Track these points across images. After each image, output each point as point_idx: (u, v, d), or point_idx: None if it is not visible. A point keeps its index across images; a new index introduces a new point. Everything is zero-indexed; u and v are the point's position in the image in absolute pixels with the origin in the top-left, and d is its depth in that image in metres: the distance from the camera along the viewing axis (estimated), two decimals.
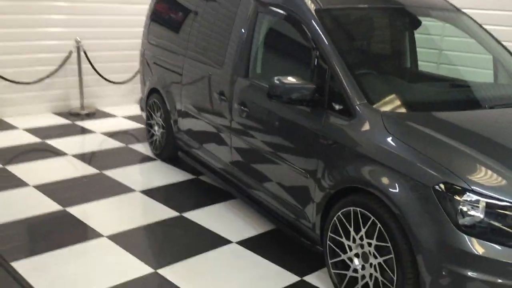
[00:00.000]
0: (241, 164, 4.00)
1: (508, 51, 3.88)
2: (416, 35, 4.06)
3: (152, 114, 5.44)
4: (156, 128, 5.40)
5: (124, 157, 5.46)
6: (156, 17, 5.41)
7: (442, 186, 2.49)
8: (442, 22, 4.08)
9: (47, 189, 4.52)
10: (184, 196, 4.53)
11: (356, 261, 2.94)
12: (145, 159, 5.44)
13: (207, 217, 4.12)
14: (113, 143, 5.91)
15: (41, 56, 6.86)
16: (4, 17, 6.45)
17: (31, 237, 3.71)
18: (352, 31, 3.58)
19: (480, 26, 4.00)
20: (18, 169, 4.94)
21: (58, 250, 3.52)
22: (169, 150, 5.24)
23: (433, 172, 2.54)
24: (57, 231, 3.79)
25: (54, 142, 5.80)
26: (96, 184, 4.73)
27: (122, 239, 3.70)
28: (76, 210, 4.13)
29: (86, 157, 5.42)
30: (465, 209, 2.45)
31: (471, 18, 4.03)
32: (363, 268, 2.90)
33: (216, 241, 3.74)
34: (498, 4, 5.42)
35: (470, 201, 2.45)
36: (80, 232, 3.79)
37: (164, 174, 5.02)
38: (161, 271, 3.32)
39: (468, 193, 2.45)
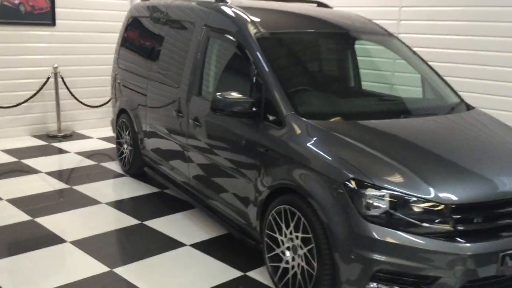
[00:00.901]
0: (198, 176, 4.37)
1: (434, 70, 4.34)
2: (352, 57, 4.52)
3: (122, 133, 5.83)
4: (125, 146, 5.77)
5: (95, 174, 5.81)
6: (124, 43, 5.85)
7: (351, 181, 2.89)
8: (376, 45, 4.54)
9: (19, 202, 4.85)
10: (147, 207, 4.87)
11: (287, 253, 3.30)
12: (115, 175, 5.80)
13: (166, 224, 4.46)
14: (86, 162, 6.26)
15: (21, 81, 7.26)
16: None
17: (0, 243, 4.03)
18: (288, 53, 4.03)
19: (410, 48, 4.46)
20: None
21: (24, 254, 3.84)
22: (136, 166, 5.61)
23: (343, 170, 2.94)
24: (24, 238, 4.12)
25: (30, 162, 6.14)
26: (66, 197, 5.07)
27: (84, 244, 4.03)
28: (43, 220, 4.46)
29: (58, 174, 5.76)
30: (370, 201, 2.84)
31: (402, 41, 4.50)
32: (293, 259, 3.26)
33: (170, 244, 4.09)
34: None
35: (375, 194, 2.84)
36: (45, 239, 4.11)
37: (131, 188, 5.38)
38: (116, 270, 3.65)
39: (372, 188, 2.84)
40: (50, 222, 4.44)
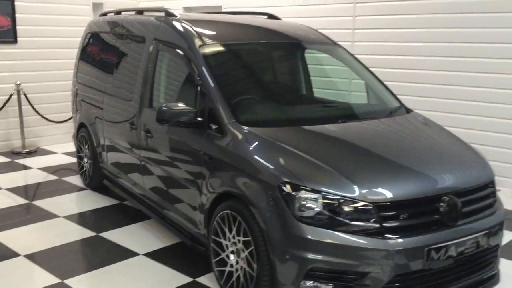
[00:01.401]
0: (152, 187, 4.45)
1: (376, 76, 4.51)
2: (298, 66, 4.68)
3: (82, 147, 5.89)
4: (85, 159, 5.83)
5: (56, 188, 5.85)
6: (82, 57, 5.93)
7: (283, 185, 3.01)
8: (322, 54, 4.71)
9: None
10: (105, 219, 4.93)
11: (231, 257, 3.40)
12: (76, 189, 5.84)
13: (122, 235, 4.53)
14: (49, 177, 6.29)
15: None
16: None
17: None
18: (232, 63, 4.16)
19: (353, 56, 4.64)
20: None
21: None
22: (96, 180, 5.67)
23: (278, 174, 3.07)
24: None
25: None
26: (24, 213, 5.11)
27: (37, 257, 4.08)
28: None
29: (18, 190, 5.79)
30: (303, 203, 2.96)
31: (346, 50, 4.67)
32: (237, 262, 3.36)
33: (124, 254, 4.16)
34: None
35: (307, 197, 2.97)
36: (0, 253, 4.15)
37: (91, 201, 5.43)
38: (67, 281, 3.71)
39: (305, 190, 2.97)
40: (6, 237, 4.47)
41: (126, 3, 8.65)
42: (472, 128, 5.95)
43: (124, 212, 5.11)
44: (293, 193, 2.98)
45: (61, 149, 7.70)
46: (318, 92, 4.72)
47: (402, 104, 4.27)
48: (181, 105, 3.72)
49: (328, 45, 4.64)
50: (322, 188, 2.97)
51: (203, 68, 3.78)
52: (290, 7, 7.29)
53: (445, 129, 3.93)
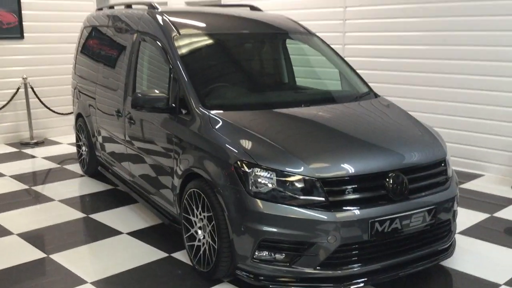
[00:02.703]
0: (137, 171, 4.72)
1: (349, 65, 4.69)
2: (274, 54, 4.88)
3: (80, 136, 6.20)
4: (83, 148, 6.15)
5: (56, 176, 6.18)
6: (80, 50, 6.23)
7: (239, 163, 3.24)
8: (299, 43, 4.89)
9: None
10: (97, 202, 5.23)
11: (199, 232, 3.64)
12: (74, 176, 6.16)
13: (109, 216, 4.82)
14: (52, 165, 6.64)
15: None
16: None
17: None
18: (204, 52, 4.38)
19: (328, 45, 4.82)
20: None
21: None
22: (93, 167, 5.97)
23: (234, 153, 3.29)
24: None
25: None
26: (22, 197, 5.44)
27: (28, 235, 4.40)
28: None
29: (21, 177, 6.13)
30: (257, 180, 3.18)
31: (321, 39, 4.85)
32: (204, 237, 3.60)
33: (109, 232, 4.44)
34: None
35: (260, 174, 3.18)
36: None
37: (86, 186, 5.74)
38: (52, 256, 4.01)
39: (258, 168, 3.19)
40: (3, 218, 4.81)
41: None
42: (454, 115, 6.09)
43: (116, 197, 5.40)
44: (248, 170, 3.20)
45: (67, 140, 8.05)
46: (292, 80, 4.91)
47: (371, 90, 4.44)
48: (155, 92, 3.97)
49: (304, 34, 4.83)
50: (274, 166, 3.18)
51: (176, 57, 4.02)
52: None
53: (405, 112, 4.10)
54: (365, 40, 6.71)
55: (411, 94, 6.36)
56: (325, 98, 4.34)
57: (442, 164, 3.55)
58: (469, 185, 5.59)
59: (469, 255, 3.90)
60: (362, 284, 3.20)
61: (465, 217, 4.62)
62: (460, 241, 4.10)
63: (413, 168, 3.35)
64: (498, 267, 3.72)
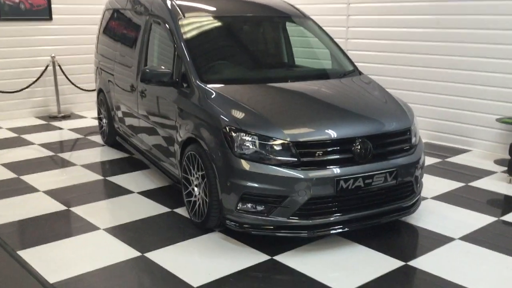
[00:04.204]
0: (148, 139, 5.31)
1: (338, 46, 5.16)
2: (272, 35, 5.39)
3: (101, 109, 6.85)
4: (104, 120, 6.79)
5: (80, 145, 6.86)
6: (102, 31, 6.84)
7: (227, 129, 3.79)
8: (295, 26, 5.38)
9: (8, 166, 5.93)
10: (113, 167, 5.88)
11: (196, 189, 4.22)
12: (96, 145, 6.82)
13: (124, 179, 5.45)
14: (76, 136, 7.33)
15: (23, 70, 8.40)
16: None
17: None
18: (206, 33, 4.91)
19: (320, 27, 5.29)
20: None
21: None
22: (112, 137, 6.61)
23: (223, 120, 3.85)
24: (5, 189, 5.18)
25: (27, 136, 7.25)
26: (48, 162, 6.13)
27: (53, 193, 5.07)
28: (26, 177, 5.52)
29: (48, 145, 6.83)
30: (241, 143, 3.73)
31: (315, 22, 5.32)
32: (199, 193, 4.18)
33: (122, 192, 5.08)
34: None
35: (246, 138, 3.73)
36: (23, 189, 5.17)
37: (105, 154, 6.39)
38: (72, 208, 4.66)
39: (243, 132, 3.73)
40: (32, 179, 5.49)
41: None
42: (443, 94, 6.50)
43: (131, 163, 6.04)
44: (235, 135, 3.75)
45: (91, 114, 8.74)
46: (291, 60, 5.41)
47: (355, 69, 4.91)
48: (162, 68, 4.54)
49: (299, 17, 5.31)
50: (257, 132, 3.72)
51: (180, 38, 4.58)
52: None
53: (382, 88, 4.57)
54: (367, 34, 7.13)
55: (409, 75, 6.79)
56: (313, 75, 4.84)
57: (408, 134, 4.02)
58: (455, 159, 6.03)
59: (434, 215, 4.39)
60: (332, 232, 3.75)
61: (441, 186, 5.09)
62: (430, 204, 4.59)
63: (379, 135, 3.84)
64: (456, 226, 4.21)
